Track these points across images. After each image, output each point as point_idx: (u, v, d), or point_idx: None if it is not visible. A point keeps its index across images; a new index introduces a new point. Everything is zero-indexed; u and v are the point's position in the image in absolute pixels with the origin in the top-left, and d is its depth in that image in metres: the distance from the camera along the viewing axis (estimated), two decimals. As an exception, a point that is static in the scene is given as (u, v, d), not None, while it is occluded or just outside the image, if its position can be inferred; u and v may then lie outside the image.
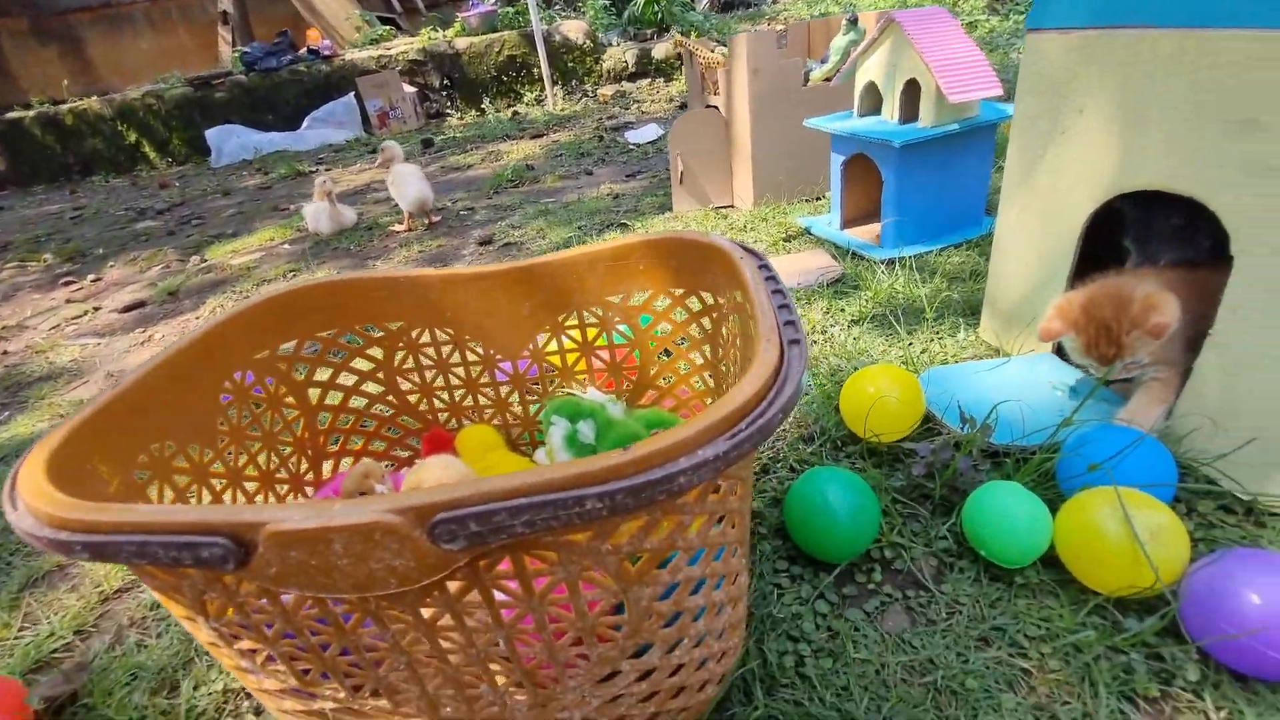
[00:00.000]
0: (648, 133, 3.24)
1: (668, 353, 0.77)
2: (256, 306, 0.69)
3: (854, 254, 1.44)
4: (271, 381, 0.71)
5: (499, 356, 0.77)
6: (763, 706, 0.57)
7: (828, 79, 1.79)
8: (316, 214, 2.38)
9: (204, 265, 2.29)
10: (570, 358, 0.79)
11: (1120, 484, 0.63)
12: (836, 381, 0.95)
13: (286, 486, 0.73)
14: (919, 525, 0.73)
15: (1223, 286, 0.67)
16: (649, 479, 0.34)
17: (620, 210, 2.07)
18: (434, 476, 0.62)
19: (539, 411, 0.80)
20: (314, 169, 3.86)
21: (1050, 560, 0.65)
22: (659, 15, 5.95)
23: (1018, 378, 0.89)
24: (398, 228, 2.31)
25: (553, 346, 0.77)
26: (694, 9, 6.25)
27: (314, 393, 0.77)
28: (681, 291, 0.70)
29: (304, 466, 0.76)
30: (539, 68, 5.26)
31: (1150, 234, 0.86)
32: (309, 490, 0.75)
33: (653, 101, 4.57)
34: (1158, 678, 0.55)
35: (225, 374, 0.66)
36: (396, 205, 2.37)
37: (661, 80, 5.38)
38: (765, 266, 0.56)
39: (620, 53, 5.52)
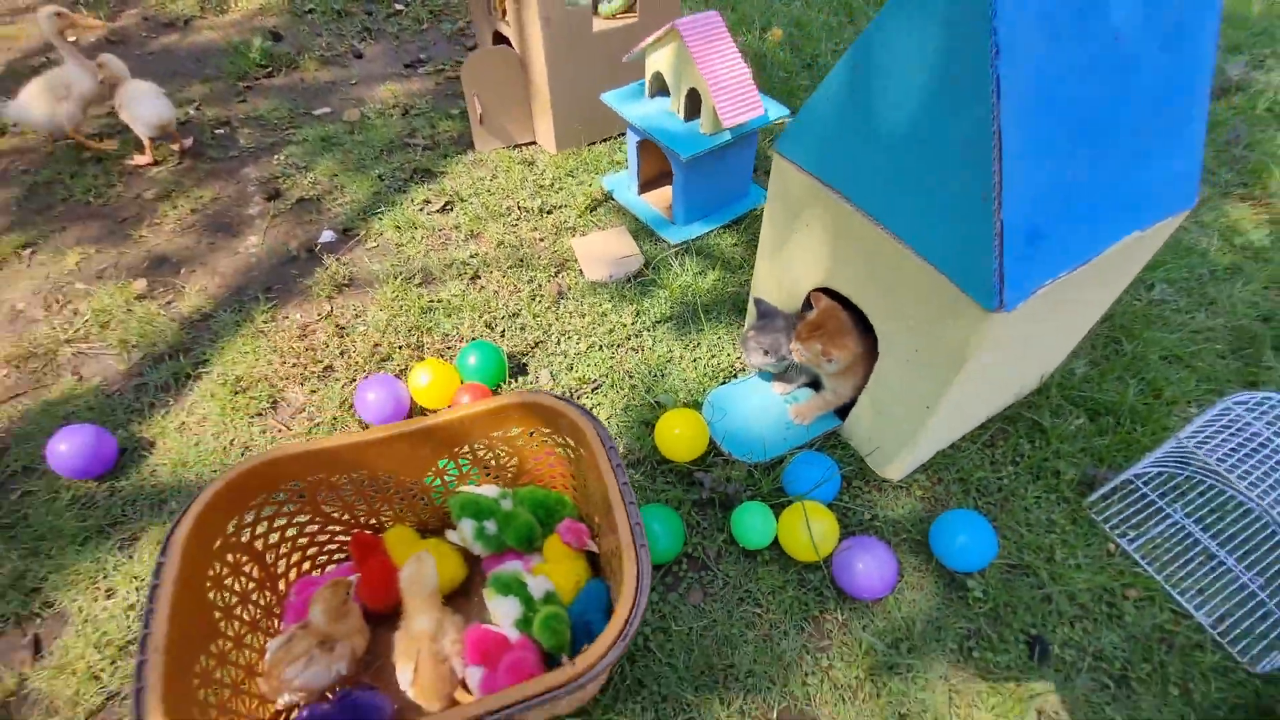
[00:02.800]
0: (413, -17, 2.83)
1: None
2: (212, 496, 0.81)
3: (651, 233, 1.70)
4: (232, 557, 0.86)
5: (405, 478, 0.98)
6: (630, 676, 1.00)
7: (613, 15, 1.82)
8: (55, 86, 1.77)
9: None
10: (467, 466, 1.02)
11: (807, 493, 1.10)
12: (653, 402, 1.30)
13: (261, 613, 0.92)
14: (707, 526, 1.17)
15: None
16: (580, 680, 0.68)
17: (418, 146, 2.00)
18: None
19: (442, 503, 1.05)
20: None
21: (775, 544, 1.12)
22: None
23: (766, 398, 1.31)
24: (139, 160, 1.96)
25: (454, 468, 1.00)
26: None
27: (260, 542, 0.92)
28: (541, 427, 0.96)
29: (267, 597, 0.94)
30: None
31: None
32: (276, 612, 0.95)
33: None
34: (819, 604, 1.08)
35: (201, 572, 0.81)
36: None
37: None
38: (604, 436, 0.85)
39: None
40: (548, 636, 0.88)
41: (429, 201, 1.80)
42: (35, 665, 1.02)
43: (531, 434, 0.99)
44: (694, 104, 1.52)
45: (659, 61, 1.54)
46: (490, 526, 0.99)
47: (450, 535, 1.04)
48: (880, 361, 1.10)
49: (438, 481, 1.01)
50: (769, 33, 2.45)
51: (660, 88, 1.61)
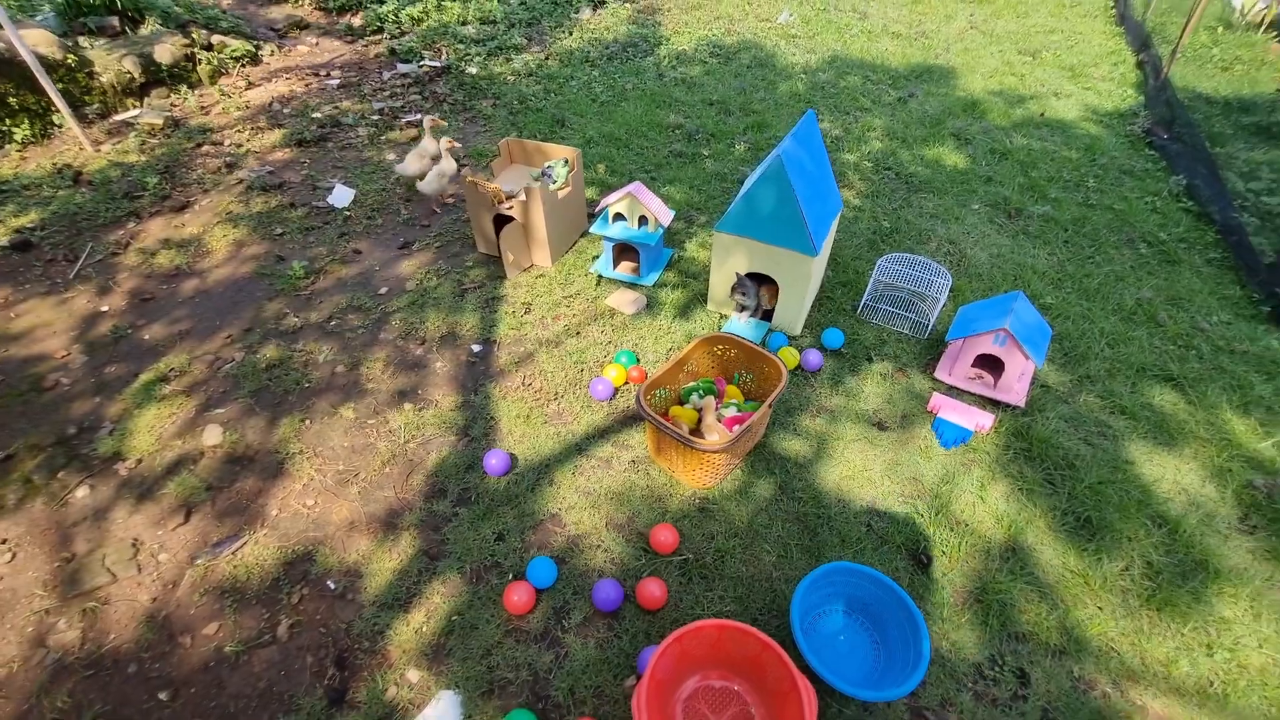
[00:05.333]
0: (345, 195, 3.95)
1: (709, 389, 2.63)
2: (643, 390, 2.26)
3: (634, 285, 3.31)
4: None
5: (669, 383, 2.50)
6: (773, 421, 2.64)
7: (560, 189, 3.40)
8: (444, 173, 3.68)
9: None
10: (682, 376, 2.57)
11: (783, 344, 2.88)
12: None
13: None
14: (751, 375, 2.86)
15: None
16: (780, 392, 2.35)
17: (475, 287, 3.29)
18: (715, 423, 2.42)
19: (677, 391, 2.57)
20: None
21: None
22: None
23: (740, 323, 3.06)
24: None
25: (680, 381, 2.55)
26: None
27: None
28: (712, 346, 2.58)
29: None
30: (15, 95, 4.43)
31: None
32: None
33: (240, 130, 4.68)
34: (804, 376, 2.85)
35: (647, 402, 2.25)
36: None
37: (190, 89, 5.08)
38: (737, 341, 2.52)
39: (116, 61, 4.92)
40: (746, 408, 2.49)
41: (514, 312, 3.16)
42: (557, 531, 2.27)
43: (703, 352, 2.58)
44: (643, 221, 3.21)
45: (618, 206, 3.19)
46: (699, 395, 2.55)
47: (687, 405, 2.56)
48: (781, 291, 2.92)
49: (676, 383, 2.55)
50: (596, 166, 4.22)
51: (617, 217, 3.25)
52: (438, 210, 3.84)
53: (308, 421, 2.63)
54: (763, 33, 6.48)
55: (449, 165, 3.66)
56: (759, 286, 2.94)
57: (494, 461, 2.39)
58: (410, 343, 3.00)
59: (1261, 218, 3.73)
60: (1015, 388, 2.72)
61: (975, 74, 5.69)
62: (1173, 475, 2.45)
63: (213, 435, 2.54)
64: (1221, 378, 2.83)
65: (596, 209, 3.25)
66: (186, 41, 5.10)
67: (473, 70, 5.53)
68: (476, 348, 2.97)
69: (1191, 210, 3.90)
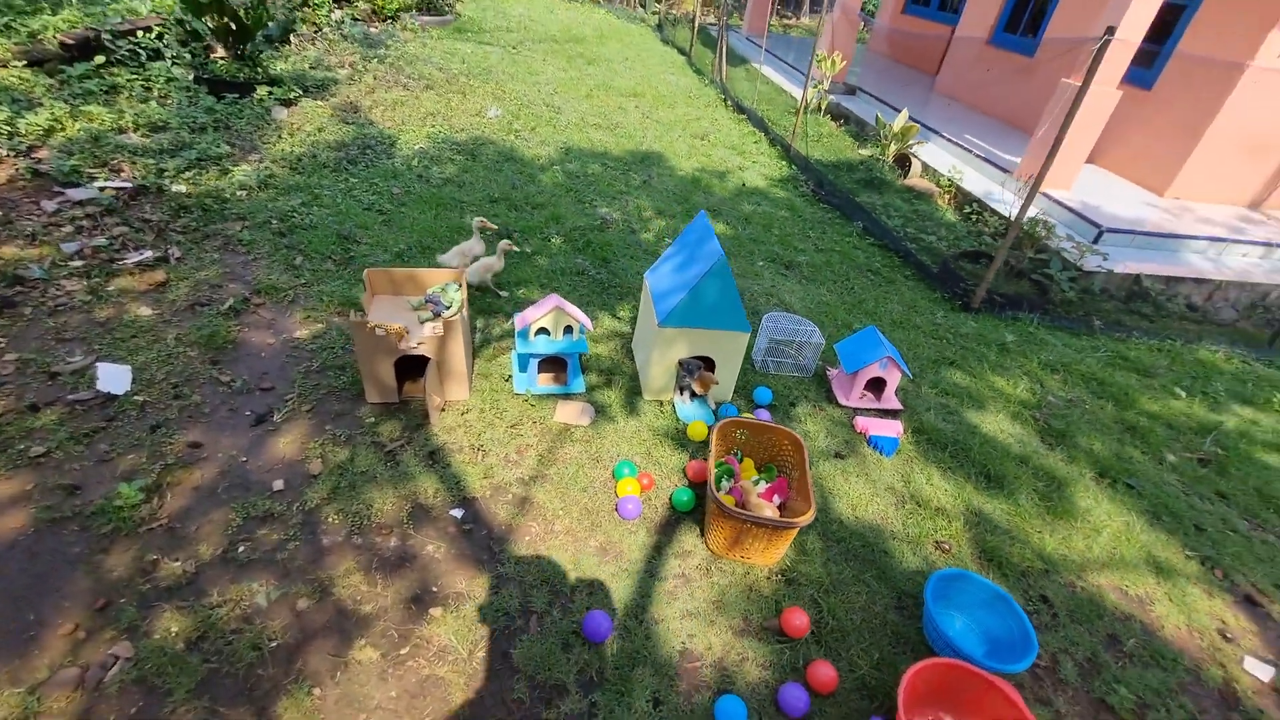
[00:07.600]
0: (119, 375, 2.84)
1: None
2: (711, 453, 2.31)
3: (565, 395, 3.22)
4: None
5: (705, 468, 2.58)
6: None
7: (455, 314, 3.11)
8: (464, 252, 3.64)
9: None
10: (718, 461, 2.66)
11: (733, 413, 3.19)
12: (676, 432, 3.05)
13: (731, 548, 2.42)
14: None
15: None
16: (797, 524, 2.68)
17: (402, 442, 2.76)
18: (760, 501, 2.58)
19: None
20: None
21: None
22: None
23: (686, 406, 3.26)
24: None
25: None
26: None
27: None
28: (727, 432, 2.74)
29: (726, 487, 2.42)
30: None
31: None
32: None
33: None
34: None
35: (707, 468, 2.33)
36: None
37: None
38: (745, 422, 2.76)
39: None
40: (771, 478, 2.74)
41: (469, 459, 2.77)
42: (699, 665, 2.17)
43: (720, 440, 2.72)
44: (567, 331, 3.15)
45: (542, 321, 3.08)
46: (727, 480, 2.70)
47: (719, 486, 2.67)
48: (720, 367, 3.24)
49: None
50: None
51: (540, 331, 3.13)
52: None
53: (318, 690, 1.91)
54: (485, 128, 6.70)
55: (478, 247, 3.71)
56: (700, 368, 3.21)
57: (599, 625, 2.14)
58: (372, 536, 2.40)
59: (914, 242, 5.51)
60: (893, 398, 3.56)
61: (679, 156, 6.90)
62: (999, 426, 3.54)
63: (180, 780, 1.67)
64: (971, 355, 4.16)
65: (517, 326, 3.08)
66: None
67: (181, 188, 4.45)
68: (457, 513, 2.54)
69: (877, 245, 5.53)
